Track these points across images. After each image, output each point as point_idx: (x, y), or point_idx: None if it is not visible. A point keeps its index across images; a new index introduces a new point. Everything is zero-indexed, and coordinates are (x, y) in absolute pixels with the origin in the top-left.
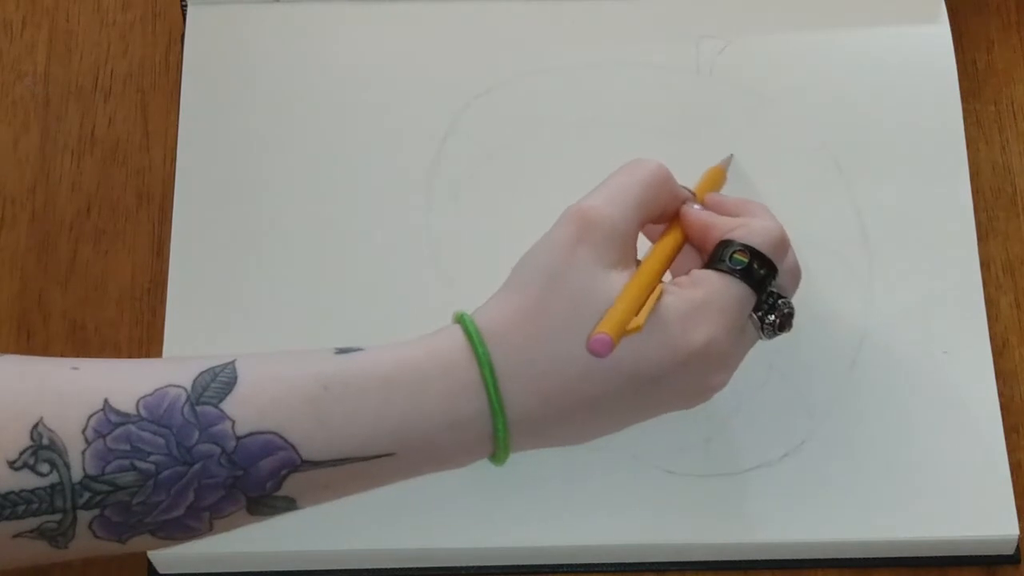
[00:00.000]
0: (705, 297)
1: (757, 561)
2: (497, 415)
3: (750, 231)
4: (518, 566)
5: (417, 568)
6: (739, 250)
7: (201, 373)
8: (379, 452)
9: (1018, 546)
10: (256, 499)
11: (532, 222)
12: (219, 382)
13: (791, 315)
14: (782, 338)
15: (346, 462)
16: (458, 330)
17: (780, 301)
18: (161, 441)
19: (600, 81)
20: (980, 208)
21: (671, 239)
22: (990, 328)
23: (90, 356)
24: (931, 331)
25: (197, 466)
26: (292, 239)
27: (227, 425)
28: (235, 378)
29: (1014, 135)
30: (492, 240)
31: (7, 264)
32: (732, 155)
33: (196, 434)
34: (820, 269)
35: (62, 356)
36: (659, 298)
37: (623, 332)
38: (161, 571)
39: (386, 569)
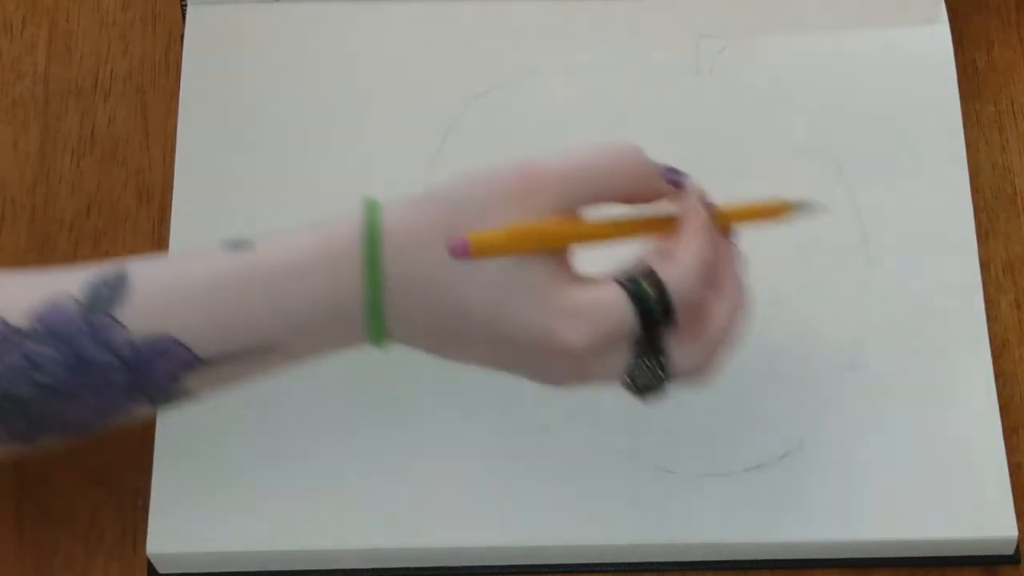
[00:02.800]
0: (598, 303)
1: (757, 561)
2: (373, 311)
3: (682, 268)
4: (518, 566)
5: (417, 568)
6: (653, 282)
7: (91, 281)
8: (268, 343)
9: (1017, 547)
10: (156, 397)
11: None
12: (110, 288)
13: (655, 385)
14: (782, 338)
15: (240, 356)
16: (357, 223)
17: (660, 363)
18: (57, 355)
19: (600, 81)
20: (980, 208)
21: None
22: (990, 328)
23: None
24: (930, 331)
25: (95, 375)
26: None
27: (121, 332)
28: (126, 285)
29: (1014, 135)
30: None
31: (7, 264)
32: (828, 209)
33: (91, 345)
34: (820, 269)
35: None
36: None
37: (489, 247)
38: (161, 571)
39: (386, 569)
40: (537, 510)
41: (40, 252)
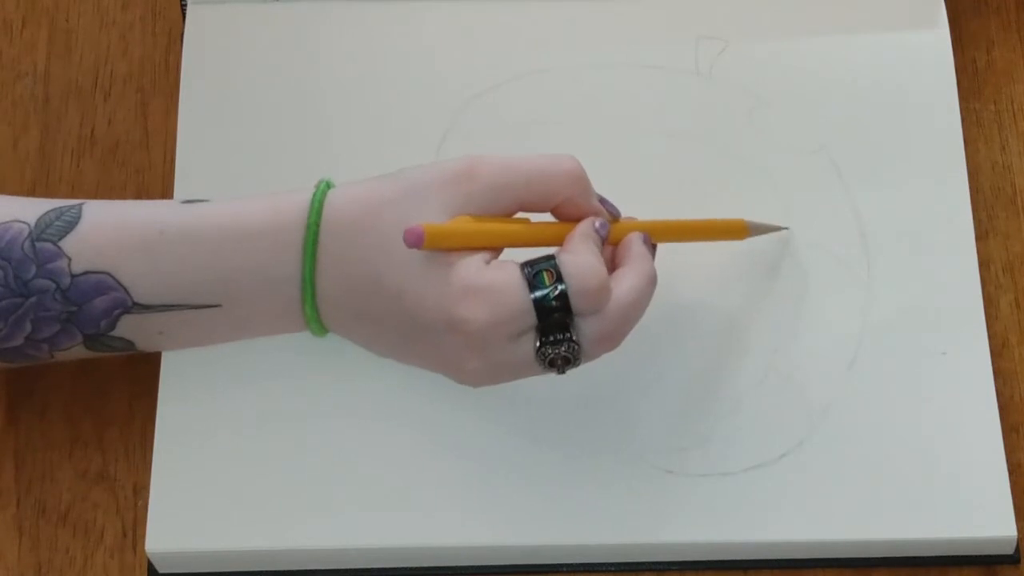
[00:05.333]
0: (493, 283)
1: (757, 561)
2: (307, 285)
3: (576, 265)
4: (518, 565)
5: (417, 567)
6: (549, 270)
7: (47, 212)
8: (206, 302)
9: (1017, 546)
10: (92, 336)
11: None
12: (62, 221)
13: (569, 359)
14: (781, 338)
15: (176, 308)
16: (307, 198)
17: (568, 341)
18: (1, 273)
19: (600, 81)
20: (980, 208)
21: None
22: (989, 328)
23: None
24: (930, 331)
25: (32, 299)
26: None
27: (63, 262)
28: (78, 218)
29: (1014, 135)
30: None
31: None
32: (788, 229)
33: (33, 268)
34: (819, 269)
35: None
36: (487, 257)
37: (441, 239)
38: (161, 571)
39: (386, 568)
40: (537, 510)
41: None
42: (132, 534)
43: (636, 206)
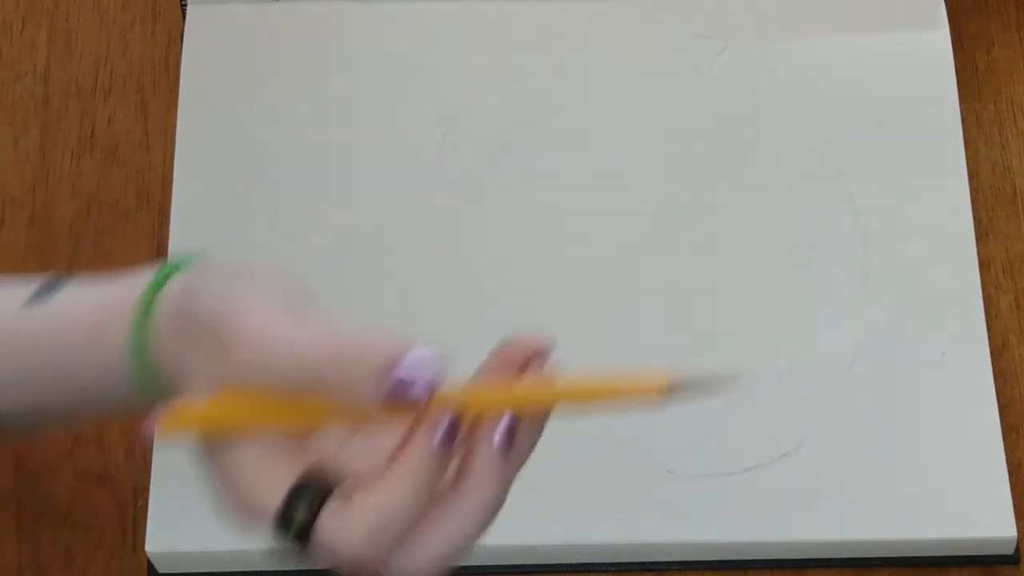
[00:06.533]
0: (252, 478)
1: (757, 561)
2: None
3: (341, 538)
4: (518, 566)
5: None
6: (313, 505)
7: None
8: (40, 405)
9: (1017, 546)
10: None
11: (531, 221)
12: None
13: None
14: (782, 338)
15: (24, 414)
16: (137, 295)
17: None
18: None
19: (600, 81)
20: (980, 208)
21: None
22: (989, 328)
23: None
24: (929, 332)
25: None
26: (291, 238)
27: None
28: None
29: (1014, 135)
30: (491, 239)
31: (7, 264)
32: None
33: None
34: (818, 269)
35: None
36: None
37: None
38: (161, 571)
39: None
40: (537, 510)
41: (40, 252)
42: (132, 534)
43: (636, 206)
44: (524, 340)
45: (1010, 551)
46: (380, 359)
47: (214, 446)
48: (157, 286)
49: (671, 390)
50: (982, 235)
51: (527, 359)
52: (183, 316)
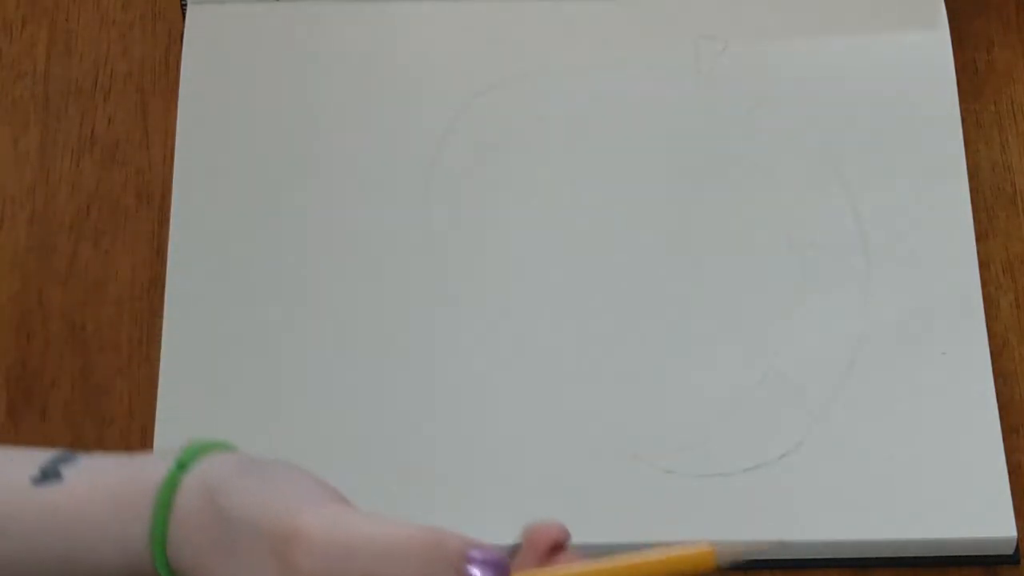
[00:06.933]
0: None
1: (757, 561)
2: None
3: None
4: None
5: None
6: None
7: None
8: None
9: (1017, 546)
10: None
11: (531, 221)
12: None
13: None
14: (781, 338)
15: None
16: (159, 480)
17: None
18: None
19: (600, 81)
20: (980, 208)
21: None
22: (990, 328)
23: (90, 355)
24: (929, 332)
25: None
26: (291, 238)
27: None
28: None
29: (1014, 135)
30: (491, 239)
31: (7, 264)
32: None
33: None
34: (819, 269)
35: (61, 356)
36: None
37: None
38: None
39: None
40: (538, 510)
41: (40, 252)
42: None
43: (636, 206)
44: (544, 530)
45: (1010, 551)
46: (455, 552)
47: None
48: (173, 483)
49: (720, 561)
50: (982, 235)
51: (552, 546)
52: (211, 516)
